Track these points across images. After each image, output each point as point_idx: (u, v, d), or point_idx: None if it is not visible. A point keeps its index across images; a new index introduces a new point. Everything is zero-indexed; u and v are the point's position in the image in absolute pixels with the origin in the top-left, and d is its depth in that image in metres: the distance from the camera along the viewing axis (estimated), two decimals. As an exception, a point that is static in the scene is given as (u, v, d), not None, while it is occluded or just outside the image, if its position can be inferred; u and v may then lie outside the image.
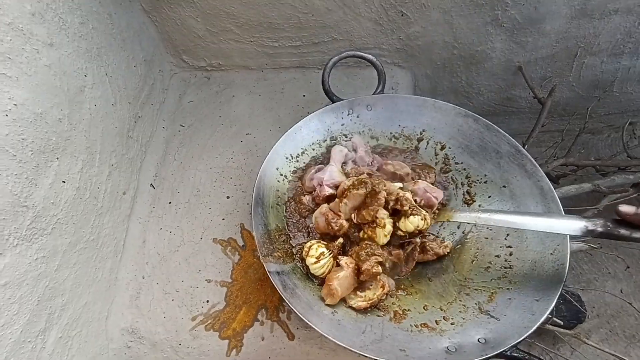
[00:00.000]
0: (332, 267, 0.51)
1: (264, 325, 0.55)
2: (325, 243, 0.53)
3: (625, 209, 0.35)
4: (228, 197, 0.67)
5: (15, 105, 0.40)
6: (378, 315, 0.49)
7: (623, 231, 0.35)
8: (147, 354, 0.55)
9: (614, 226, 0.36)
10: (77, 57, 0.52)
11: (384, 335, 0.46)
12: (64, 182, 0.47)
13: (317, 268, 0.50)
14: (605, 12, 0.76)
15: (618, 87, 0.95)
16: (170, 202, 0.67)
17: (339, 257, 0.51)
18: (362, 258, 0.50)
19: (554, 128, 1.13)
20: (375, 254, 0.50)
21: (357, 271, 0.50)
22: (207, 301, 0.57)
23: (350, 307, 0.49)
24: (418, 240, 0.54)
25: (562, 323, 0.62)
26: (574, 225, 0.40)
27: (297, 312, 0.43)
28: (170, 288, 0.58)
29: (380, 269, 0.50)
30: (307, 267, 0.51)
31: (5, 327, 0.37)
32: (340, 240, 0.53)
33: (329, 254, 0.51)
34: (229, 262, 0.60)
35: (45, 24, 0.46)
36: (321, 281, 0.51)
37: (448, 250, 0.55)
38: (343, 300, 0.50)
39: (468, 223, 0.55)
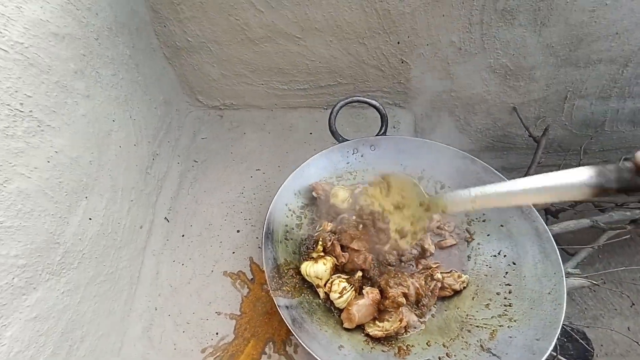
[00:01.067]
0: (354, 297, 0.55)
1: (271, 359, 0.56)
2: (346, 277, 0.56)
3: None
4: (238, 231, 0.71)
5: (56, 152, 0.45)
6: (383, 351, 0.51)
7: None
8: (157, 387, 0.56)
9: (633, 175, 0.30)
10: (107, 104, 0.58)
11: (389, 371, 0.47)
12: (90, 219, 0.51)
13: (341, 302, 0.54)
14: (590, 61, 0.82)
15: (609, 126, 1.00)
16: (183, 235, 0.70)
17: (365, 288, 0.55)
18: (390, 285, 0.53)
19: (551, 163, 1.17)
20: (402, 285, 0.54)
21: (379, 301, 0.53)
22: (217, 333, 0.59)
23: (367, 335, 0.52)
24: (440, 276, 0.56)
25: (567, 362, 0.63)
26: (581, 175, 0.31)
27: (306, 347, 0.45)
28: (182, 320, 0.60)
29: (404, 300, 0.53)
30: (331, 301, 0.55)
31: (32, 359, 0.40)
32: (360, 274, 0.57)
33: (351, 288, 0.55)
34: (238, 295, 0.62)
35: (85, 79, 0.52)
36: (341, 312, 0.55)
37: (465, 285, 0.57)
38: (361, 328, 0.53)
39: (465, 211, 0.51)
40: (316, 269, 0.56)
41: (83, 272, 0.49)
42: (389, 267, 0.59)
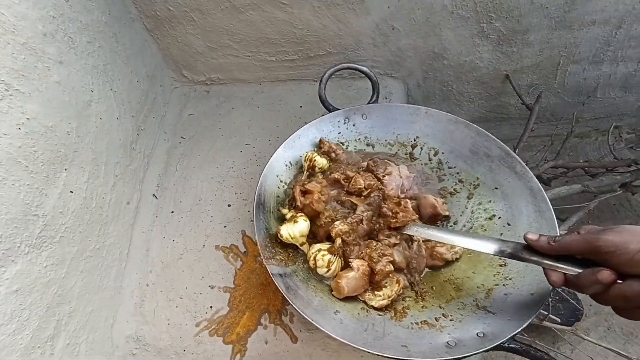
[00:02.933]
0: (342, 264, 0.54)
1: (267, 329, 0.56)
2: (327, 247, 0.54)
3: (530, 236, 0.40)
4: (229, 205, 0.69)
5: (28, 119, 0.42)
6: (379, 315, 0.50)
7: (525, 255, 0.41)
8: (152, 361, 0.56)
9: (520, 250, 0.42)
10: (84, 73, 0.54)
11: (386, 332, 0.47)
12: (71, 192, 0.49)
13: (331, 274, 0.53)
14: (584, 23, 0.81)
15: (601, 92, 0.99)
16: (172, 212, 0.69)
17: (351, 260, 0.53)
18: (374, 260, 0.52)
19: (543, 133, 1.17)
20: (385, 254, 0.53)
21: (371, 272, 0.52)
22: (211, 307, 0.58)
23: (373, 308, 0.51)
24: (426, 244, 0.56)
25: (559, 321, 0.64)
26: (490, 246, 0.45)
27: (300, 312, 0.45)
28: (174, 295, 0.59)
29: (392, 267, 0.52)
30: (318, 274, 0.53)
31: (16, 333, 0.38)
32: (339, 240, 0.55)
33: (336, 258, 0.53)
34: (231, 268, 0.61)
35: (56, 43, 0.49)
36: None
37: (458, 257, 0.56)
38: (363, 302, 0.52)
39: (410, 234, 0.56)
40: (299, 228, 0.53)
41: (67, 246, 0.47)
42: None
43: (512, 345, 0.41)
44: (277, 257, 0.53)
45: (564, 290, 0.71)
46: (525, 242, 0.41)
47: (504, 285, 0.50)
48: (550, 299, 0.65)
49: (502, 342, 0.41)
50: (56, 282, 0.45)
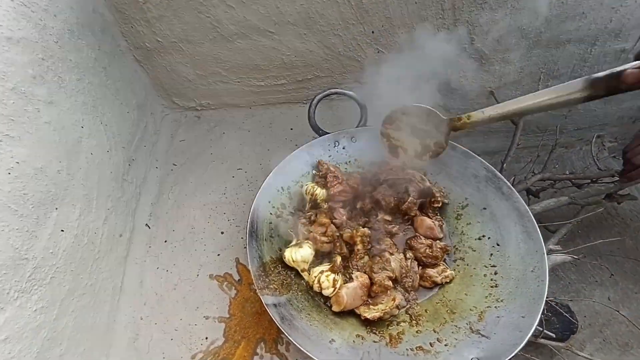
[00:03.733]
0: (344, 281, 0.55)
1: (263, 359, 0.55)
2: (329, 267, 0.56)
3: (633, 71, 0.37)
4: (222, 233, 0.69)
5: (17, 162, 0.43)
6: (374, 341, 0.50)
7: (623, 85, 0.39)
8: (147, 399, 0.55)
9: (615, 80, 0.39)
10: (74, 111, 0.55)
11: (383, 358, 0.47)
12: (62, 231, 0.49)
13: (329, 292, 0.54)
14: (559, 42, 0.84)
15: (582, 105, 1.02)
16: (166, 241, 0.69)
17: (354, 272, 0.56)
18: (374, 271, 0.54)
19: (530, 144, 1.20)
20: (386, 269, 0.55)
21: (369, 286, 0.54)
22: (206, 338, 0.57)
23: (366, 319, 0.52)
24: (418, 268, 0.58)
25: (554, 336, 0.64)
26: (576, 86, 0.41)
27: (296, 344, 0.45)
28: (169, 327, 0.58)
29: (391, 283, 0.54)
30: (324, 295, 0.55)
31: (6, 383, 0.38)
32: (339, 258, 0.57)
33: (340, 276, 0.55)
34: (225, 297, 0.61)
35: (46, 85, 0.49)
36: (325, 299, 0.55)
37: (448, 280, 0.57)
38: (352, 316, 0.54)
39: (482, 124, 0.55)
40: (302, 253, 0.56)
41: (57, 287, 0.47)
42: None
43: (506, 371, 0.41)
44: (271, 286, 0.53)
45: (557, 304, 0.72)
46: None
47: (495, 307, 0.51)
48: (544, 315, 0.65)
49: (495, 368, 0.41)
50: (46, 325, 0.44)
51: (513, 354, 0.42)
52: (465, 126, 0.57)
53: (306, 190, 0.65)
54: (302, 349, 0.45)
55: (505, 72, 0.92)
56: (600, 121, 1.10)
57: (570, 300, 0.77)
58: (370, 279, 0.55)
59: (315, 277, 0.55)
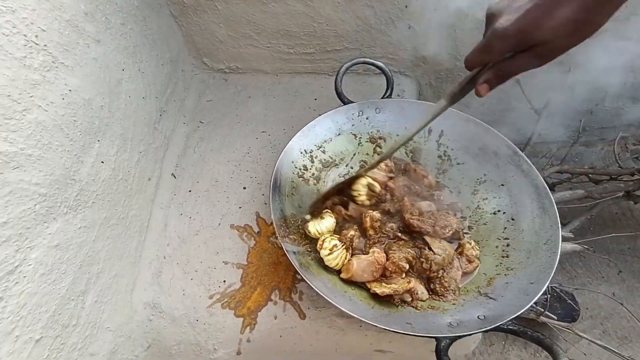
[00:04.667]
0: (346, 259, 0.54)
1: (277, 305, 0.59)
2: (338, 236, 0.56)
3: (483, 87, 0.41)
4: (245, 188, 0.72)
5: (70, 90, 0.45)
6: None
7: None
8: (167, 328, 0.58)
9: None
10: (117, 53, 0.58)
11: (392, 312, 0.50)
12: (102, 162, 0.52)
13: (331, 259, 0.53)
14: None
15: (610, 102, 1.01)
16: (190, 191, 0.72)
17: (373, 247, 0.54)
18: (392, 249, 0.53)
19: (549, 139, 1.19)
20: (405, 253, 0.53)
21: (384, 265, 0.53)
22: (224, 281, 0.61)
23: (374, 293, 0.51)
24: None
25: (556, 319, 0.66)
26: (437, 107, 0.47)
27: (312, 285, 0.47)
28: (190, 268, 0.62)
29: (406, 265, 0.52)
30: (320, 255, 0.54)
31: (55, 283, 0.41)
32: (352, 232, 0.56)
33: (342, 246, 0.54)
34: (245, 246, 0.64)
35: (95, 23, 0.52)
36: (337, 272, 0.55)
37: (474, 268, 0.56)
38: (366, 288, 0.53)
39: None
40: (326, 224, 0.56)
41: (97, 212, 0.50)
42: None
43: (511, 327, 0.43)
44: (291, 236, 0.56)
45: (562, 291, 0.74)
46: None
47: (505, 274, 0.53)
48: (547, 297, 0.67)
49: (501, 324, 0.44)
50: (88, 244, 0.48)
51: (519, 313, 0.44)
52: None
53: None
54: (317, 290, 0.47)
55: (535, 60, 0.91)
56: (626, 121, 1.08)
57: (576, 289, 0.79)
58: (388, 257, 0.53)
59: (323, 236, 0.55)
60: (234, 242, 0.65)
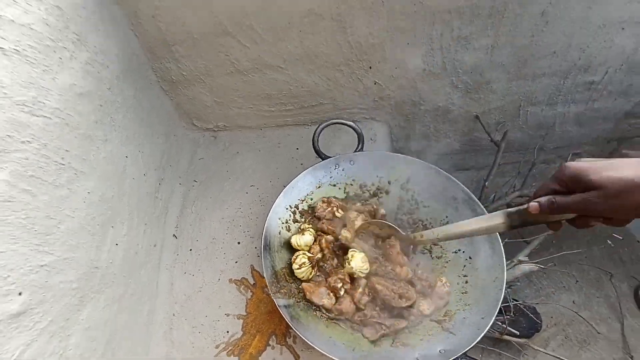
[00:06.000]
0: (311, 274, 0.69)
1: (274, 349, 0.68)
2: (310, 255, 0.69)
3: (533, 206, 0.43)
4: (239, 243, 0.81)
5: (89, 193, 0.55)
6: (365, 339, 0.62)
7: (531, 218, 0.45)
8: (181, 380, 0.67)
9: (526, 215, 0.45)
10: (121, 145, 0.67)
11: (370, 352, 0.59)
12: (116, 244, 0.61)
13: (299, 273, 0.68)
14: (536, 75, 0.95)
15: (559, 127, 1.14)
16: (190, 250, 0.81)
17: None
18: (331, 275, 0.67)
19: (514, 160, 1.31)
20: (339, 277, 0.67)
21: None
22: (228, 332, 0.70)
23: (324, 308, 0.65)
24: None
25: (518, 333, 0.76)
26: (499, 220, 0.49)
27: (302, 337, 0.57)
28: (197, 322, 0.71)
29: (340, 285, 0.66)
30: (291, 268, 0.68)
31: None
32: (319, 255, 0.70)
33: (309, 265, 0.69)
34: (243, 298, 0.74)
35: (103, 126, 0.61)
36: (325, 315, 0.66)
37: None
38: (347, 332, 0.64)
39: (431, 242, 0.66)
40: (305, 239, 0.71)
41: (116, 290, 0.59)
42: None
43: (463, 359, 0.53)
44: (282, 290, 0.66)
45: (525, 306, 0.84)
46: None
47: (463, 310, 0.63)
48: (510, 315, 0.77)
49: (455, 358, 0.54)
50: (111, 320, 0.56)
51: (470, 347, 0.54)
52: (419, 243, 0.65)
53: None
54: (306, 340, 0.57)
55: (489, 100, 1.03)
56: (577, 141, 1.21)
57: (537, 304, 0.89)
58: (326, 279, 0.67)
59: (297, 254, 0.69)
60: (233, 295, 0.74)
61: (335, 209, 0.76)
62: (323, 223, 0.75)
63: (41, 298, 0.44)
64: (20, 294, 0.41)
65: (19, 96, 0.44)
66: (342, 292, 0.66)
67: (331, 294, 0.66)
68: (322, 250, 0.72)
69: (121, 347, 0.59)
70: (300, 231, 0.73)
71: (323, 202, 0.79)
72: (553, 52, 0.90)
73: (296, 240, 0.71)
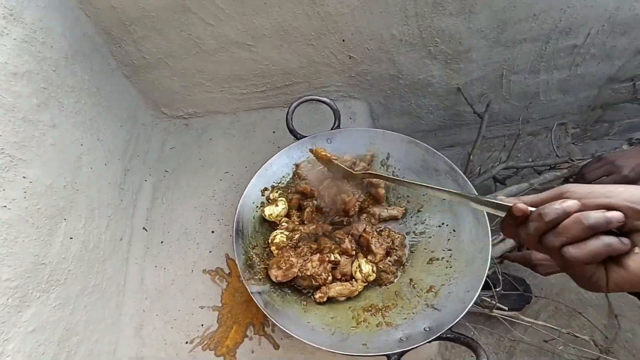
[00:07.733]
0: (283, 216, 0.70)
1: (252, 340, 0.64)
2: (288, 234, 0.67)
3: (519, 206, 0.35)
4: (213, 232, 0.77)
5: (31, 182, 0.50)
6: (345, 320, 0.59)
7: None
8: (154, 378, 0.63)
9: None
10: (74, 131, 0.62)
11: (350, 335, 0.56)
12: (71, 238, 0.56)
13: (267, 210, 0.68)
14: (516, 41, 0.91)
15: (543, 96, 1.10)
16: (162, 242, 0.76)
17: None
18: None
19: (500, 133, 1.28)
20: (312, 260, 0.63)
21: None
22: (202, 325, 0.66)
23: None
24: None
25: (506, 309, 0.74)
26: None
27: (277, 324, 0.53)
28: (169, 317, 0.67)
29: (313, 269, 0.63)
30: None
31: (36, 365, 0.46)
32: (297, 196, 0.71)
33: (284, 203, 0.69)
34: (218, 288, 0.69)
35: (49, 110, 0.56)
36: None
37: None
38: (327, 304, 0.62)
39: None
40: (278, 209, 0.69)
41: (71, 287, 0.55)
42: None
43: (449, 335, 0.50)
44: (256, 277, 0.62)
45: (515, 279, 0.81)
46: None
47: (448, 284, 0.59)
48: (499, 289, 0.75)
49: (441, 334, 0.50)
50: (64, 319, 0.52)
51: (455, 322, 0.51)
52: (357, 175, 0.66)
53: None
54: (282, 328, 0.53)
55: (470, 70, 0.99)
56: (562, 110, 1.18)
57: (528, 276, 0.87)
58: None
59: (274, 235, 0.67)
60: (207, 286, 0.70)
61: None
62: (306, 183, 0.73)
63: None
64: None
65: None
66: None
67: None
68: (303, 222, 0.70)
69: (79, 347, 0.54)
70: (272, 201, 0.71)
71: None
72: (533, 14, 0.86)
73: (270, 212, 0.69)
